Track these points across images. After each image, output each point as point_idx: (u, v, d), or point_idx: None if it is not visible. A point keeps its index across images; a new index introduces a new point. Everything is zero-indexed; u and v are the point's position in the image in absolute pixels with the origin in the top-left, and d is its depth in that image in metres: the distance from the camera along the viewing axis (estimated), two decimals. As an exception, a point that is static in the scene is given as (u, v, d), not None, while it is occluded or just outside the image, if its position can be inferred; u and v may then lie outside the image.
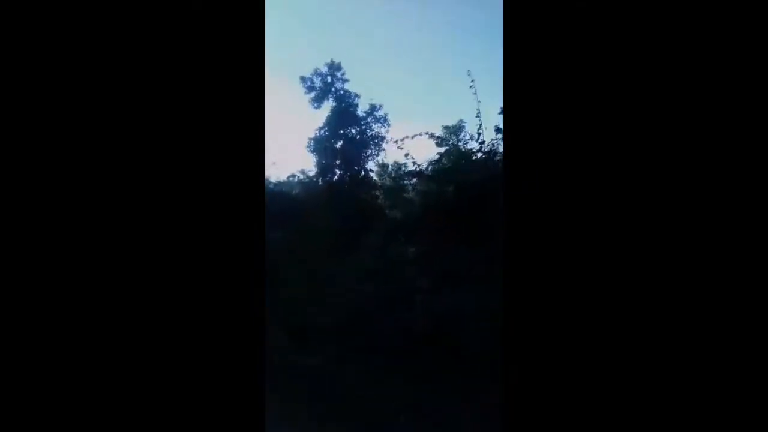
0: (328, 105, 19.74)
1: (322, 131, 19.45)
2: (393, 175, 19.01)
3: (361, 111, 20.02)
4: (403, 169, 20.31)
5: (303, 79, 19.65)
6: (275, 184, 18.02)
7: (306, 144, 19.32)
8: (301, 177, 19.66)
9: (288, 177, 19.59)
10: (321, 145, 19.17)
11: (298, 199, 16.28)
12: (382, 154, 19.74)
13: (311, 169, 19.30)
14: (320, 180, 19.27)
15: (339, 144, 19.44)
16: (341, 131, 19.48)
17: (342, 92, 19.92)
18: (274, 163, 32.90)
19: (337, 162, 19.18)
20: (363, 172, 19.03)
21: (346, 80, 20.10)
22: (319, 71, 19.76)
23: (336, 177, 19.25)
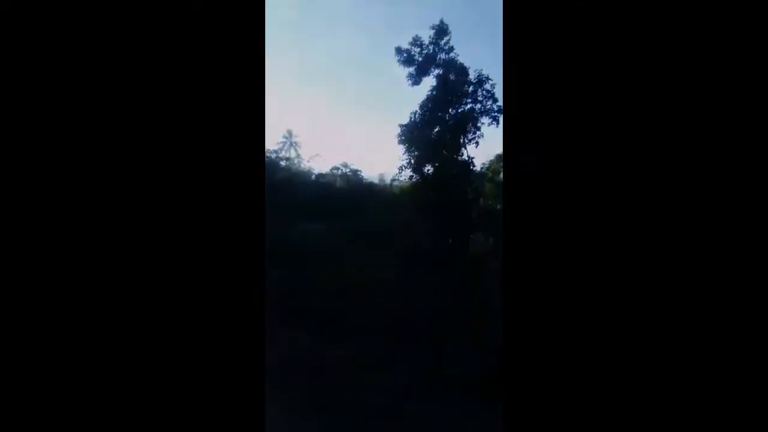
0: (428, 81, 15.96)
1: (417, 114, 15.79)
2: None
3: (468, 83, 15.65)
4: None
5: (398, 51, 16.10)
6: (317, 176, 16.54)
7: (397, 132, 15.91)
8: (345, 170, 17.14)
9: (331, 169, 17.50)
10: (412, 135, 15.56)
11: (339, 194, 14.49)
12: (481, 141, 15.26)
13: (396, 162, 16.04)
14: (412, 175, 15.84)
15: (435, 130, 15.53)
16: (439, 113, 15.48)
17: (447, 63, 15.76)
18: (317, 155, 32.61)
19: (431, 154, 15.41)
20: (462, 165, 14.94)
21: (452, 49, 15.84)
22: (419, 40, 15.93)
23: (429, 171, 15.57)
